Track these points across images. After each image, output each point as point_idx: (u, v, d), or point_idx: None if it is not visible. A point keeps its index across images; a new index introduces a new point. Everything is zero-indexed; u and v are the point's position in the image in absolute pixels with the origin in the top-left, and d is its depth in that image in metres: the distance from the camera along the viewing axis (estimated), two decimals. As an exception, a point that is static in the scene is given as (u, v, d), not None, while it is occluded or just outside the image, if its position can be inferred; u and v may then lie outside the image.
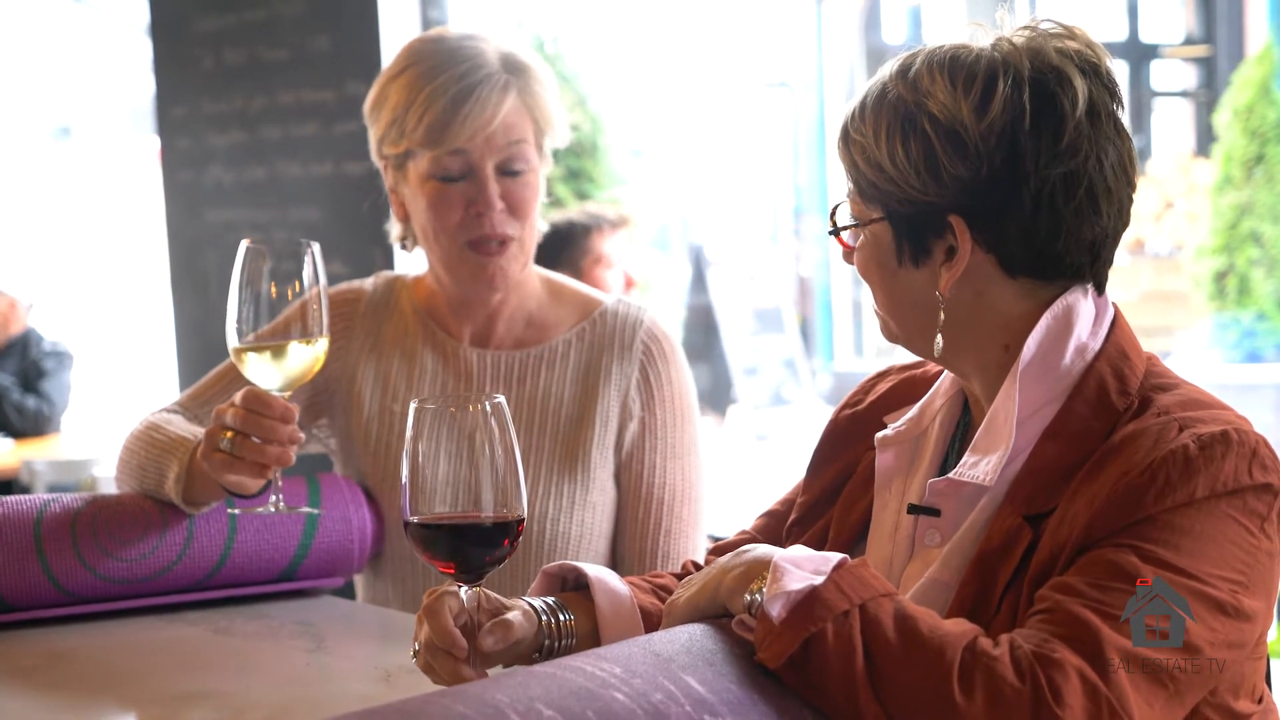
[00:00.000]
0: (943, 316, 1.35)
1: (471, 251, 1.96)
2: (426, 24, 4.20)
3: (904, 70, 1.34)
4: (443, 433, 1.29)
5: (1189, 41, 12.00)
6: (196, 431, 1.90)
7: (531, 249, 2.02)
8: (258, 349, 1.69)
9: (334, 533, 1.92)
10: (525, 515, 1.32)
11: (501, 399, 1.31)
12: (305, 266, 1.70)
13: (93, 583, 1.81)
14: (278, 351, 1.70)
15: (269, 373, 1.70)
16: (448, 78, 1.92)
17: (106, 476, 4.50)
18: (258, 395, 1.71)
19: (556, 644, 1.40)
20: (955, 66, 1.32)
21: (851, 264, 1.43)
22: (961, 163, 1.29)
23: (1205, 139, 9.41)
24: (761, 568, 1.18)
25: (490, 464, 1.29)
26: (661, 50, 12.24)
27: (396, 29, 3.96)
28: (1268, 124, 8.34)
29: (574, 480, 1.98)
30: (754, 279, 11.96)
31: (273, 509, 1.74)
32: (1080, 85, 1.30)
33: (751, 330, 11.48)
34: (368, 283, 2.13)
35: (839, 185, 1.42)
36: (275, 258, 1.69)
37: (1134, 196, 1.36)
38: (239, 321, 1.69)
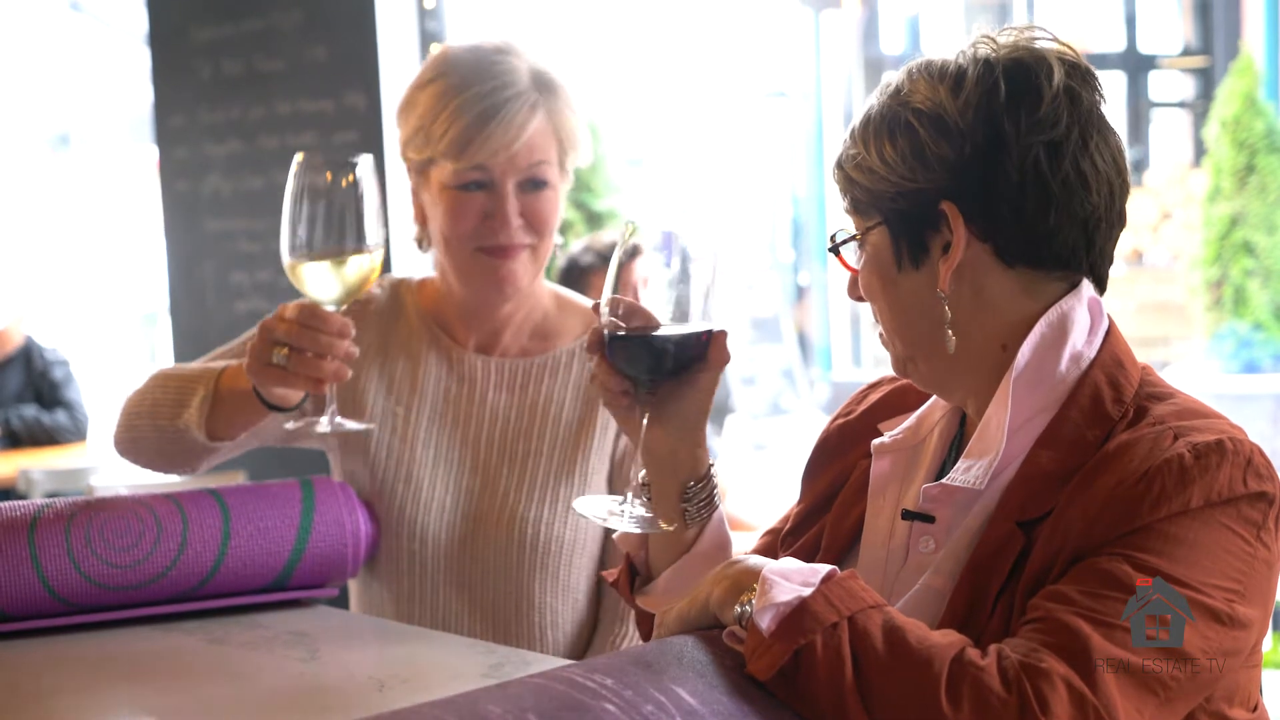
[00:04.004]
0: (950, 314, 1.34)
1: (484, 255, 1.98)
2: (424, 35, 4.21)
3: (885, 89, 1.38)
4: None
5: (1187, 52, 12.00)
6: (215, 367, 1.92)
7: (545, 261, 2.03)
8: (314, 258, 1.67)
9: (328, 537, 1.92)
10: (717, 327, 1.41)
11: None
12: (358, 180, 1.68)
13: (87, 589, 1.81)
14: (336, 262, 1.67)
15: (326, 284, 1.68)
16: (476, 93, 1.92)
17: (104, 485, 4.48)
18: (313, 310, 1.68)
19: (693, 504, 1.48)
20: (931, 66, 1.36)
21: (858, 297, 1.43)
22: (945, 141, 1.31)
23: (1202, 150, 9.41)
24: (751, 579, 1.19)
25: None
26: (660, 59, 12.25)
27: (394, 40, 3.97)
28: (1256, 135, 8.31)
29: (570, 485, 2.00)
30: (752, 288, 11.97)
31: (329, 427, 1.75)
32: (1057, 67, 1.32)
33: (749, 340, 11.48)
34: (374, 287, 2.14)
35: (836, 201, 1.43)
36: (331, 170, 1.69)
37: (1127, 193, 1.36)
38: (292, 239, 1.67)
